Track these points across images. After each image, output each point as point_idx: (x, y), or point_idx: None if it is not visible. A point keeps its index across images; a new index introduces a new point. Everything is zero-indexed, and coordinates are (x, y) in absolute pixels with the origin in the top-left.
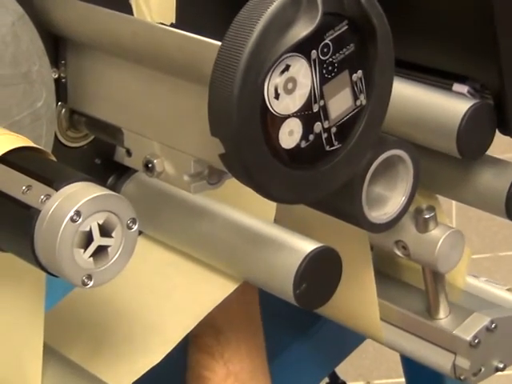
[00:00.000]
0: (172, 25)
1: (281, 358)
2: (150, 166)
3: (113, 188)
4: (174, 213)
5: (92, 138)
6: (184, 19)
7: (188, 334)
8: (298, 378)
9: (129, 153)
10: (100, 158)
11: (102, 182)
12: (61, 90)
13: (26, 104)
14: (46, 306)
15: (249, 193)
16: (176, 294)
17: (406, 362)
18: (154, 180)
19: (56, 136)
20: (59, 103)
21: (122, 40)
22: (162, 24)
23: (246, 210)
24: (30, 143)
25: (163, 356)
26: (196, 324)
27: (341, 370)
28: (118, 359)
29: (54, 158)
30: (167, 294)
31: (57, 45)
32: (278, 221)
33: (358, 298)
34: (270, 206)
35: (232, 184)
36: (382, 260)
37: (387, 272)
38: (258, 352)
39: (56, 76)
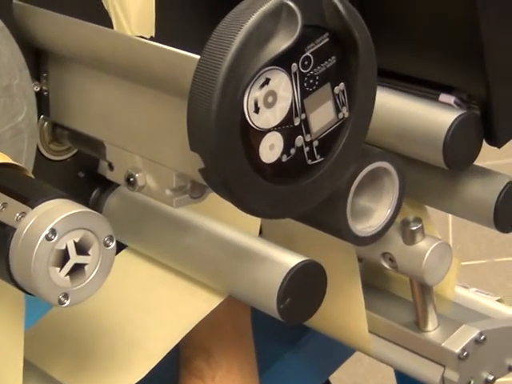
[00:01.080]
0: (152, 38)
1: (272, 369)
2: (131, 180)
3: (97, 201)
4: (158, 226)
5: (75, 151)
6: (164, 32)
7: (178, 356)
8: None
9: (111, 166)
10: (84, 171)
11: (85, 195)
12: (43, 104)
13: (6, 118)
14: (30, 323)
15: (232, 206)
16: (160, 308)
17: (399, 373)
18: (138, 194)
19: (39, 149)
20: (41, 116)
21: (102, 53)
22: (142, 37)
23: (231, 223)
24: (7, 159)
25: (147, 371)
26: (180, 338)
27: (335, 379)
28: (100, 375)
29: (31, 175)
30: (151, 308)
31: (38, 58)
32: (264, 234)
33: (346, 311)
34: (255, 220)
35: (215, 197)
36: (369, 272)
37: (375, 284)
38: (249, 370)
39: (38, 89)
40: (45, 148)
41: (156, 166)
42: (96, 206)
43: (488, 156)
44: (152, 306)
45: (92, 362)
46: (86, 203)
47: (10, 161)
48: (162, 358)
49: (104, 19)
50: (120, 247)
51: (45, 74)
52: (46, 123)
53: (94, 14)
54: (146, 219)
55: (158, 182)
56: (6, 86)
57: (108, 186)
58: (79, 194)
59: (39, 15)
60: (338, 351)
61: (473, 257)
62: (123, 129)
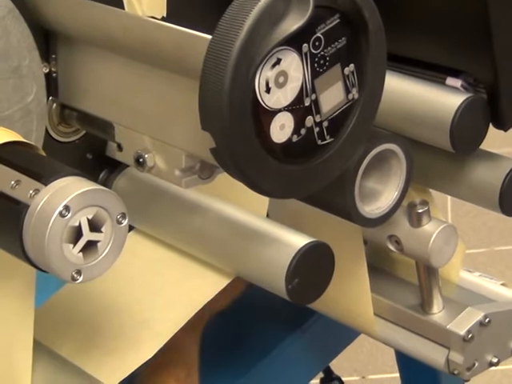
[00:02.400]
0: (163, 18)
1: (274, 354)
2: (141, 160)
3: (105, 183)
4: (166, 208)
5: (83, 132)
6: (175, 13)
7: None
8: (292, 373)
9: (120, 147)
10: (92, 152)
11: (93, 176)
12: (52, 85)
13: (16, 99)
14: (39, 303)
15: (241, 187)
16: (168, 289)
17: (400, 357)
18: (146, 175)
19: (47, 131)
20: (50, 98)
21: (113, 34)
22: (153, 18)
23: (239, 204)
24: (19, 138)
25: (154, 351)
26: (188, 319)
27: (336, 365)
28: (108, 355)
29: (43, 153)
30: (159, 289)
31: (47, 39)
32: (271, 216)
33: (352, 293)
34: (263, 201)
35: (224, 178)
36: (375, 254)
37: (381, 266)
38: None
39: (47, 70)
40: (53, 129)
41: (165, 147)
42: None
43: (495, 144)
44: (160, 286)
45: (100, 342)
46: None
47: (21, 139)
48: (169, 337)
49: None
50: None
51: (54, 56)
52: (54, 105)
53: None
54: (153, 201)
55: (167, 162)
56: (15, 66)
57: (115, 167)
58: (87, 176)
59: None
60: (340, 337)
61: (472, 245)
62: (133, 110)
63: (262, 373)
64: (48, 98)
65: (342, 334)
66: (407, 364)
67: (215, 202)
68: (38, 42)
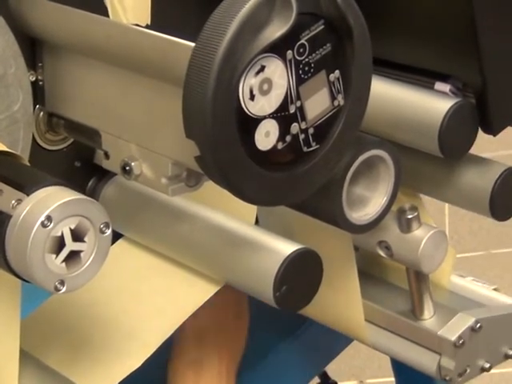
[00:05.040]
0: (147, 26)
1: (268, 360)
2: (127, 168)
3: (93, 191)
4: (154, 215)
5: (71, 140)
6: (159, 20)
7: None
8: (286, 379)
9: (107, 155)
10: (80, 160)
11: (82, 184)
12: (38, 93)
13: (2, 108)
14: (26, 313)
15: (229, 194)
16: (156, 298)
17: (395, 362)
18: (134, 182)
19: (35, 139)
20: (37, 106)
21: (97, 42)
22: (138, 25)
23: (227, 211)
24: (2, 147)
25: (142, 361)
26: (176, 328)
27: (333, 370)
28: (96, 365)
29: (26, 162)
30: (147, 297)
31: (34, 47)
32: (260, 223)
33: (343, 299)
34: (251, 208)
35: (212, 186)
36: (366, 260)
37: (371, 272)
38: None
39: (33, 79)
40: (41, 138)
41: (152, 155)
42: (92, 195)
43: (485, 148)
44: (148, 295)
45: (88, 352)
46: (82, 193)
47: (4, 148)
48: (157, 347)
49: (99, 7)
50: (116, 237)
51: (40, 64)
52: (41, 113)
53: (90, 2)
54: (142, 208)
55: (153, 170)
56: (1, 75)
57: (104, 175)
58: (75, 184)
59: (35, 4)
60: (334, 343)
61: (470, 248)
62: (119, 117)
63: (256, 378)
64: (35, 107)
65: (337, 340)
66: (401, 369)
67: (203, 209)
68: (24, 50)
